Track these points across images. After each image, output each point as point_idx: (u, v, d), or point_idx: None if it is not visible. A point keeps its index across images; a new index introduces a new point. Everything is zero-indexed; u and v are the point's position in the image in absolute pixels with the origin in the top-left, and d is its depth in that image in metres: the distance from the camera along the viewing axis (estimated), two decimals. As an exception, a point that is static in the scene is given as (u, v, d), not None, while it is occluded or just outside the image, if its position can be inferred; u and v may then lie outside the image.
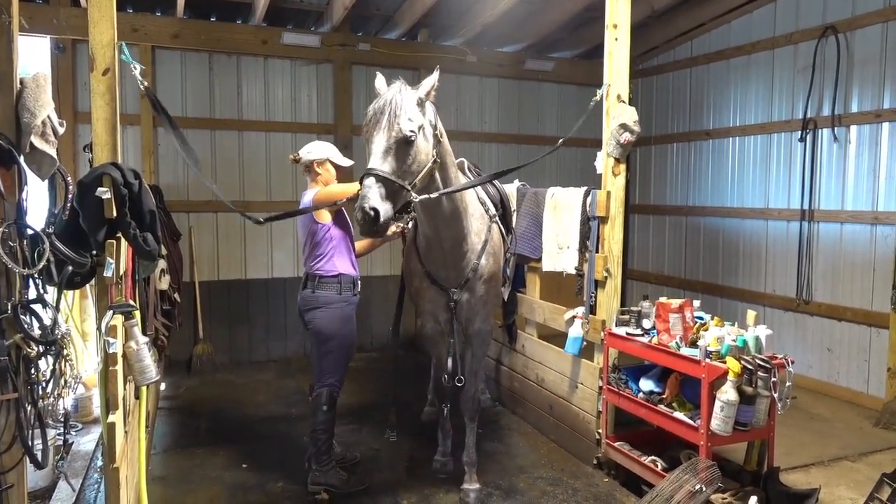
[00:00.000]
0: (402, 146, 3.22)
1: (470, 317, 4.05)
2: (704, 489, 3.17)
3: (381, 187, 3.10)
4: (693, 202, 7.63)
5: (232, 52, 6.83)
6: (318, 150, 4.11)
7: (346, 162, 4.21)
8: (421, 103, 3.35)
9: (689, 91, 7.66)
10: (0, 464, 2.34)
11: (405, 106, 3.25)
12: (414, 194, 3.29)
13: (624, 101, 4.28)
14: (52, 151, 2.44)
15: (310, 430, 4.08)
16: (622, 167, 4.32)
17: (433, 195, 3.50)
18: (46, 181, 2.56)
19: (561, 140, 4.35)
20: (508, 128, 8.18)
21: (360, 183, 3.16)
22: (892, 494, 3.27)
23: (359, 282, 4.13)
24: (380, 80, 3.51)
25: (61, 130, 2.51)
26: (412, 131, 3.24)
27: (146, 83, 3.35)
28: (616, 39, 4.28)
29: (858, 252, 5.75)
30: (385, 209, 3.08)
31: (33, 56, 6.03)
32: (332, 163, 4.13)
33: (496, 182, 4.67)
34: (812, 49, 6.03)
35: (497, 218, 4.25)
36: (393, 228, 4.32)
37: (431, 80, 3.43)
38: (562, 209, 4.66)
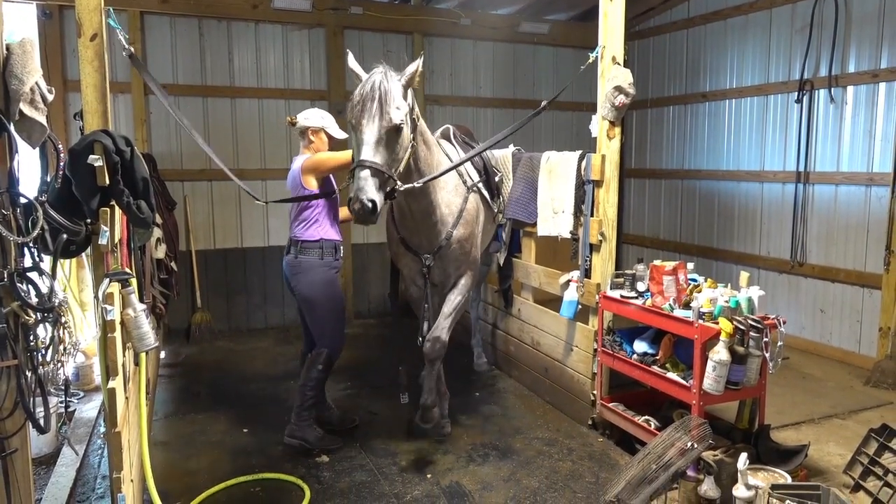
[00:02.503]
0: (392, 135, 3.32)
1: (444, 280, 4.15)
2: (696, 446, 3.24)
3: (375, 178, 3.21)
4: (689, 165, 7.61)
5: (222, 17, 6.72)
6: (315, 118, 4.14)
7: (341, 134, 4.20)
8: (405, 89, 3.41)
9: (686, 53, 7.58)
10: (3, 429, 2.37)
11: (393, 93, 3.32)
12: (399, 182, 3.43)
13: (619, 63, 4.24)
14: (42, 119, 2.42)
15: (300, 384, 4.20)
16: (617, 130, 4.30)
17: (417, 184, 3.63)
18: (37, 149, 2.54)
19: (545, 102, 4.31)
20: (503, 92, 8.10)
21: (353, 174, 3.25)
22: (878, 449, 3.35)
23: (341, 247, 4.20)
24: (352, 60, 3.56)
25: (50, 97, 2.48)
26: (402, 120, 3.33)
27: (132, 48, 3.34)
28: (611, 0, 4.22)
29: (853, 213, 5.76)
30: (380, 199, 3.22)
31: (20, 23, 5.92)
32: (326, 133, 4.14)
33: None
34: (810, 8, 5.96)
35: (479, 185, 4.26)
36: None
37: (415, 66, 3.49)
38: (557, 173, 4.65)
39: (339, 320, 4.21)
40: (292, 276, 4.13)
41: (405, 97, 3.41)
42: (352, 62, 3.53)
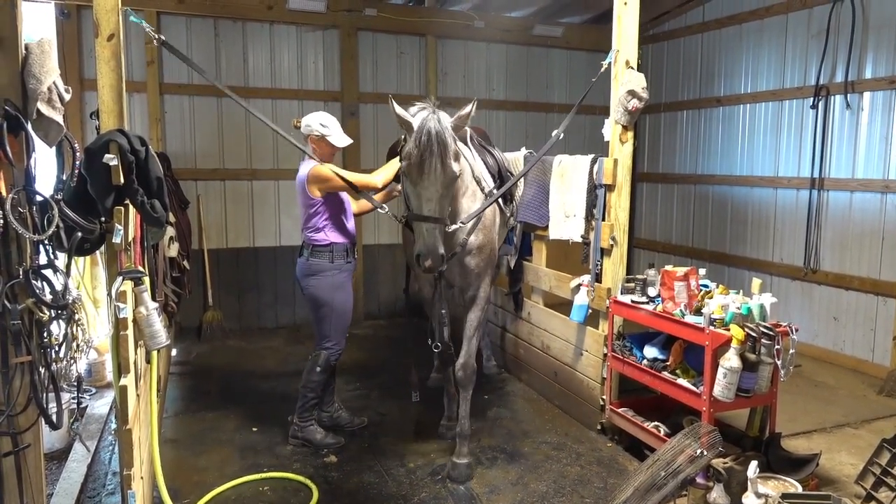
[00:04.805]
0: (450, 186, 3.44)
1: (462, 286, 4.13)
2: (705, 453, 3.22)
3: (440, 232, 3.35)
4: (702, 171, 7.56)
5: (237, 17, 6.76)
6: (316, 125, 4.05)
7: (343, 142, 4.12)
8: (455, 134, 3.45)
9: (701, 57, 7.54)
10: (16, 424, 2.40)
11: (449, 144, 3.35)
12: (449, 223, 3.56)
13: (632, 67, 4.23)
14: (59, 118, 2.45)
15: (301, 385, 4.25)
16: (630, 134, 4.29)
17: (464, 223, 3.76)
18: (54, 148, 2.57)
19: (571, 111, 4.31)
20: (516, 95, 8.10)
21: (418, 226, 3.36)
22: (891, 459, 3.31)
23: (353, 248, 4.22)
24: (398, 107, 3.45)
25: (67, 97, 2.51)
26: (460, 170, 3.45)
27: (161, 36, 3.40)
28: (625, 3, 4.20)
29: (867, 221, 5.71)
30: (445, 250, 3.39)
31: (38, 23, 5.99)
32: (327, 140, 4.08)
33: (496, 153, 4.67)
34: (826, 13, 5.91)
35: (494, 191, 4.26)
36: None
37: (468, 110, 3.48)
38: (569, 177, 4.64)
39: (342, 325, 4.21)
40: (303, 278, 4.17)
41: (456, 142, 3.46)
42: (398, 109, 3.44)
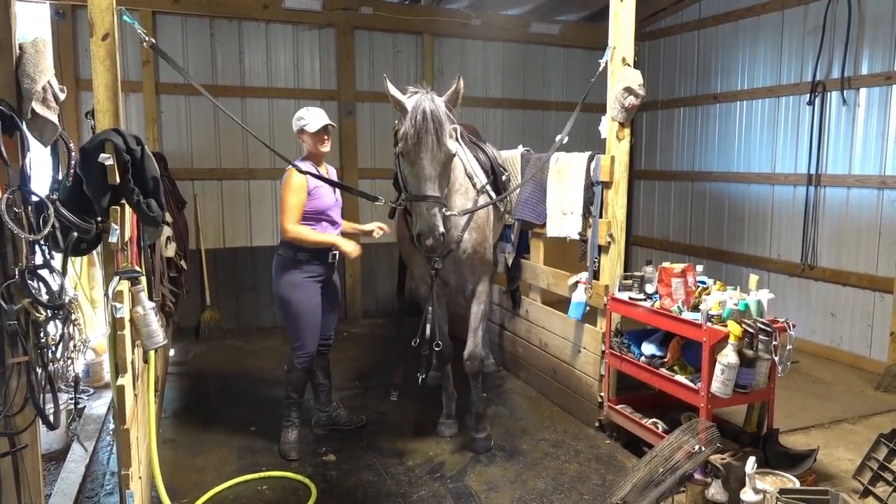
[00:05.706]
0: (447, 164, 3.46)
1: (458, 284, 4.17)
2: (703, 449, 3.22)
3: (440, 211, 3.37)
4: (699, 167, 7.57)
5: (233, 17, 6.75)
6: (295, 121, 4.02)
7: (317, 124, 3.91)
8: (449, 113, 3.47)
9: (697, 54, 7.54)
10: (14, 425, 2.39)
11: (444, 122, 3.38)
12: (447, 209, 3.59)
13: (629, 64, 4.23)
14: (54, 117, 2.44)
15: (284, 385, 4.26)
16: (626, 131, 4.29)
17: (459, 214, 3.81)
18: (49, 148, 2.56)
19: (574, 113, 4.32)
20: (513, 93, 8.09)
21: (418, 206, 3.36)
22: (888, 454, 3.32)
23: (329, 253, 4.02)
24: (391, 87, 3.48)
25: (62, 96, 2.51)
26: (455, 149, 3.46)
27: (152, 39, 3.38)
28: (621, 0, 4.20)
29: (864, 217, 5.71)
30: (445, 229, 3.42)
31: (33, 23, 5.97)
32: (306, 131, 3.97)
33: (488, 149, 4.68)
34: (823, 9, 5.91)
35: (487, 187, 4.27)
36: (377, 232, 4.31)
37: (458, 87, 3.50)
38: (566, 174, 4.64)
39: (305, 322, 4.01)
40: (273, 276, 4.07)
41: (451, 121, 3.48)
42: (391, 88, 3.46)
